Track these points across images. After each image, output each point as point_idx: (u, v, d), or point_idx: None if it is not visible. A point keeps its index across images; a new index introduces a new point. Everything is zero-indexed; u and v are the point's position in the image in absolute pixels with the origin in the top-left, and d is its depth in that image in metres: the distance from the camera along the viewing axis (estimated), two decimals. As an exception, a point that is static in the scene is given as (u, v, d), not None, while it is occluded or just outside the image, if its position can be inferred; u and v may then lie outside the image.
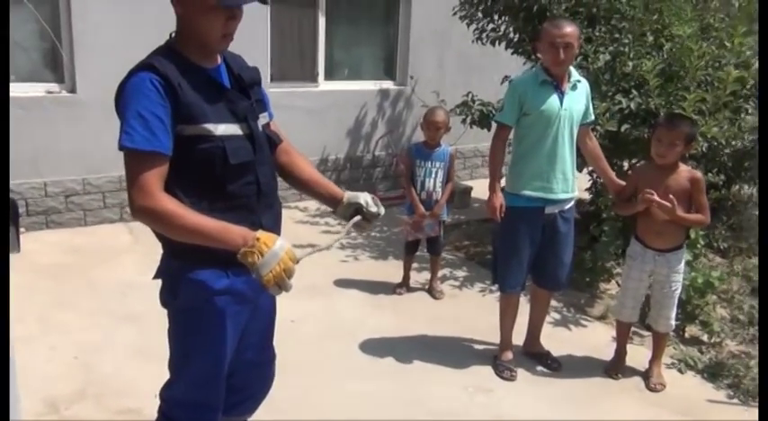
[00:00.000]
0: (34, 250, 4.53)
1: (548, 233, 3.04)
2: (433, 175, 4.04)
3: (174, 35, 1.81)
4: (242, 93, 1.86)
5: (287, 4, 5.82)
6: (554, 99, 2.87)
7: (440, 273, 4.47)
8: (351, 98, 6.23)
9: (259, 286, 1.64)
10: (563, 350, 3.53)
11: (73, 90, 4.92)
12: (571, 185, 3.01)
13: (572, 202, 3.08)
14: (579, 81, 2.98)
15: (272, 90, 5.69)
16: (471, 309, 4.03)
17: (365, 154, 6.46)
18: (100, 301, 3.83)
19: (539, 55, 2.93)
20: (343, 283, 4.29)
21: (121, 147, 1.64)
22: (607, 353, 3.49)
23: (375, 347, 3.48)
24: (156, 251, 1.91)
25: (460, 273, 4.60)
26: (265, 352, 2.18)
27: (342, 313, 3.88)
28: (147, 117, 1.63)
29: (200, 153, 1.72)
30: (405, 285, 4.25)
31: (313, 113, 5.99)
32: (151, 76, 1.66)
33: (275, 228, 1.93)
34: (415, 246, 4.24)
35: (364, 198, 1.99)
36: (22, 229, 4.74)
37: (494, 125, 4.67)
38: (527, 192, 2.96)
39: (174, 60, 1.72)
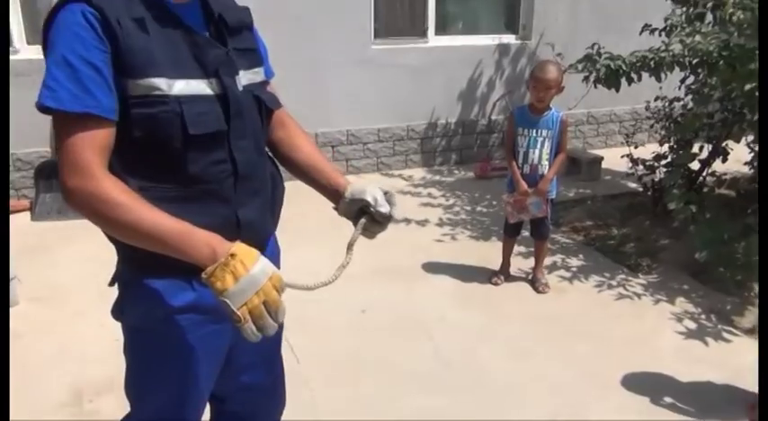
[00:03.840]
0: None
1: None
2: (539, 146, 3.34)
3: None
4: (223, 39, 1.35)
5: (393, -50, 5.24)
6: None
7: (549, 261, 3.78)
8: (464, 55, 5.55)
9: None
10: (695, 373, 2.76)
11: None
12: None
13: None
14: None
15: (375, 47, 5.21)
16: (580, 308, 3.33)
17: (480, 118, 5.77)
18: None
19: None
20: (431, 267, 3.74)
21: (41, 107, 1.17)
22: (755, 382, 2.68)
23: (453, 350, 2.92)
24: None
25: (575, 262, 3.87)
26: (268, 375, 1.73)
27: (422, 304, 3.34)
28: (76, 65, 1.16)
29: (148, 120, 1.22)
30: (503, 273, 3.62)
31: (420, 72, 5.41)
32: (84, 8, 1.18)
33: (263, 225, 1.45)
34: (517, 229, 3.59)
35: (372, 194, 1.44)
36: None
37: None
38: None
39: None
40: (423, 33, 5.47)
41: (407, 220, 4.41)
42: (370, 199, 1.42)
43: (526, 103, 3.55)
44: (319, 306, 3.25)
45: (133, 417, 1.49)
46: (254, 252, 1.19)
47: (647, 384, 2.69)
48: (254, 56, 1.44)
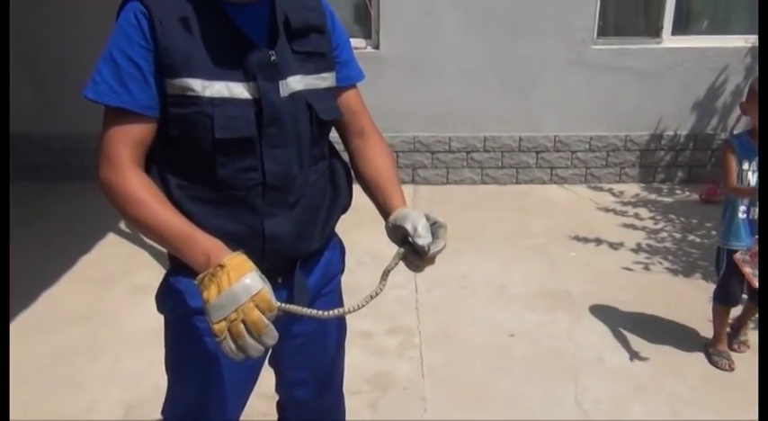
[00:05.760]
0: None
1: None
2: None
3: None
4: (294, 40, 1.32)
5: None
6: None
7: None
8: (706, 58, 4.79)
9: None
10: None
11: (377, 46, 4.86)
12: None
13: None
14: None
15: (596, 47, 4.77)
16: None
17: (718, 132, 4.96)
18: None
19: None
20: (607, 298, 3.30)
21: (85, 97, 1.25)
22: None
23: (598, 400, 2.55)
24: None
25: (796, 320, 3.12)
26: (323, 395, 1.66)
27: (581, 339, 2.97)
28: (119, 62, 1.22)
29: (181, 120, 1.24)
30: (720, 347, 2.82)
31: (649, 77, 4.81)
32: (136, 7, 1.23)
33: (298, 240, 1.37)
34: (738, 295, 2.77)
35: (413, 222, 1.26)
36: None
37: None
38: None
39: None
40: (656, 32, 4.84)
41: (598, 241, 3.98)
42: (409, 228, 1.26)
43: (739, 129, 2.90)
44: (465, 322, 3.10)
45: (166, 404, 1.53)
46: (246, 266, 1.12)
47: None
48: (322, 60, 1.37)
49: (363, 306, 1.23)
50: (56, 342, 2.91)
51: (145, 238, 4.08)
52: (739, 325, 2.94)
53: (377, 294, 1.25)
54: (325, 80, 1.38)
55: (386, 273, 1.28)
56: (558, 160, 5.00)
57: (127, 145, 1.23)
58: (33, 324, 3.05)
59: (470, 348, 2.90)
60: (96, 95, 1.23)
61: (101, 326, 3.06)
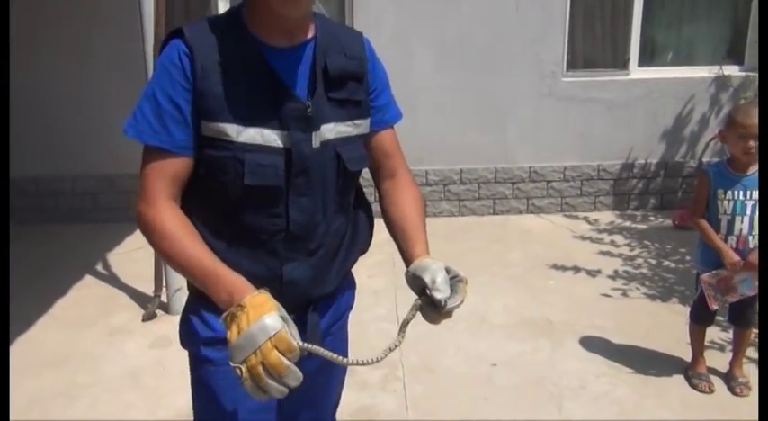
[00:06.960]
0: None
1: None
2: (749, 211, 2.64)
3: None
4: (330, 88, 1.31)
5: (593, -25, 4.89)
6: None
7: (751, 353, 3.07)
8: (672, 88, 4.95)
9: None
10: None
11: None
12: None
13: None
14: None
15: (566, 80, 4.90)
16: None
17: (687, 159, 5.08)
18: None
19: None
20: (587, 326, 3.33)
21: (125, 133, 1.26)
22: None
23: (581, 427, 2.55)
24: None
25: (773, 341, 3.16)
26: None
27: (563, 367, 2.98)
28: (161, 102, 1.23)
29: (212, 161, 1.25)
30: (699, 370, 2.86)
31: (618, 107, 4.94)
32: (180, 46, 1.23)
33: (314, 284, 1.38)
34: (712, 314, 2.85)
35: (432, 274, 1.23)
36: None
37: None
38: None
39: (224, 28, 1.26)
40: (623, 65, 4.99)
41: (575, 269, 4.02)
42: (428, 280, 1.23)
43: (714, 159, 2.96)
44: (447, 353, 3.10)
45: None
46: (267, 306, 1.08)
47: None
48: (356, 108, 1.36)
49: (382, 359, 1.20)
50: (32, 386, 2.85)
51: (121, 279, 4.03)
52: (734, 358, 2.88)
53: (396, 347, 1.22)
54: (357, 127, 1.37)
55: (404, 325, 1.25)
56: (534, 190, 5.08)
57: (164, 180, 1.25)
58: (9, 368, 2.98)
59: (453, 379, 2.89)
60: (137, 133, 1.24)
61: (77, 369, 2.99)
